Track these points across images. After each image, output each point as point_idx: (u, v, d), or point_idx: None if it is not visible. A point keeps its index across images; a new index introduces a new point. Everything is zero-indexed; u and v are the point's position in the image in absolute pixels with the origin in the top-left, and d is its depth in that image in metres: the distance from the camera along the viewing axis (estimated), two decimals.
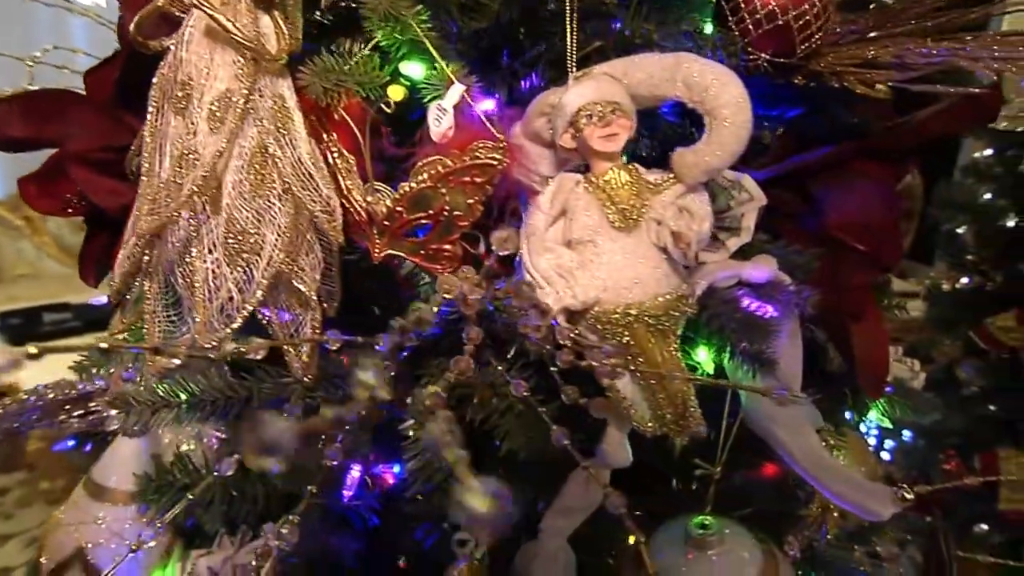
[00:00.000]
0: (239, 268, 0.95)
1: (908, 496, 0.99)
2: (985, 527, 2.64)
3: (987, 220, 2.43)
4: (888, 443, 2.36)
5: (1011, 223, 2.40)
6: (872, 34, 1.21)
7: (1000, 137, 2.37)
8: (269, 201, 0.95)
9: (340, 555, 1.19)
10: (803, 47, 1.14)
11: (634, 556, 1.08)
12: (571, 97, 0.99)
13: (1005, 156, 2.39)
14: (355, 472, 1.18)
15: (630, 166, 1.01)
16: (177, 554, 1.49)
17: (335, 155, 1.03)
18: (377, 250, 1.02)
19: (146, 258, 1.01)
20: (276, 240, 0.95)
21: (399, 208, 0.98)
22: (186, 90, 0.95)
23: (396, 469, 1.26)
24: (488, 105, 1.18)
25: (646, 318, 0.95)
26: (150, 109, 0.99)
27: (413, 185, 0.97)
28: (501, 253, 0.95)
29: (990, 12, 1.22)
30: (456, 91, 0.96)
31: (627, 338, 0.95)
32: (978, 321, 2.52)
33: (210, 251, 0.95)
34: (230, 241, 0.94)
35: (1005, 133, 2.31)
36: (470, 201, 0.98)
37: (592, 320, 0.96)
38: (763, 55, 1.16)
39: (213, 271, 0.95)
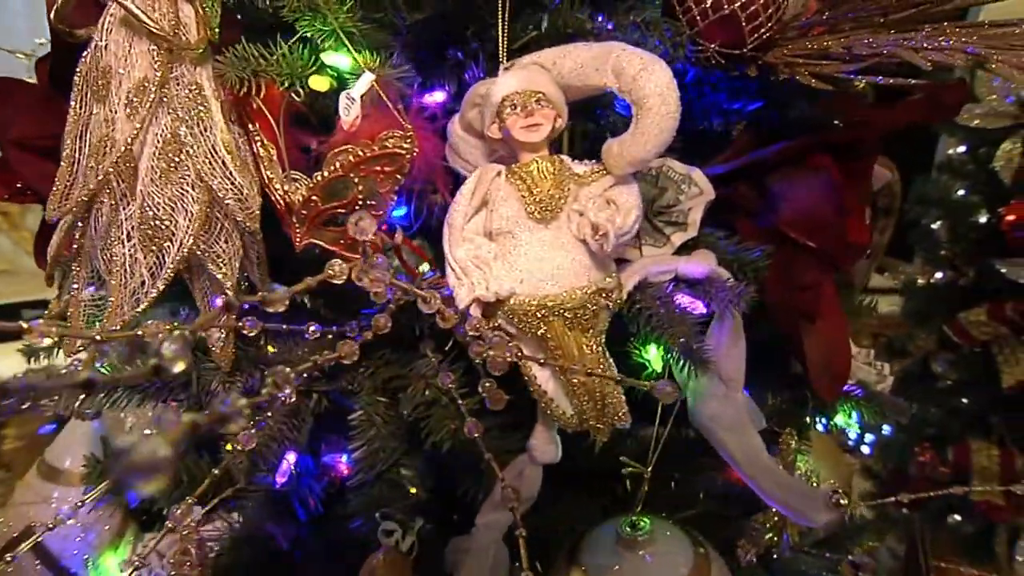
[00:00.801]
0: (152, 254, 0.93)
1: (843, 503, 0.92)
2: (958, 518, 2.57)
3: (960, 216, 2.34)
4: (868, 437, 2.30)
5: (983, 219, 2.31)
6: (832, 24, 1.15)
7: (973, 134, 2.29)
8: (182, 188, 0.92)
9: (275, 540, 1.13)
10: (753, 38, 1.06)
11: (567, 552, 1.01)
12: (497, 87, 0.93)
13: (978, 153, 2.30)
14: (289, 459, 1.13)
15: (556, 157, 0.94)
16: (130, 535, 1.44)
17: (258, 145, 0.98)
18: (298, 239, 0.97)
19: (75, 244, 1.01)
20: (188, 226, 0.92)
21: (314, 197, 0.94)
22: (106, 78, 0.93)
23: (344, 458, 1.21)
24: (439, 97, 1.13)
25: (562, 311, 0.89)
26: (73, 96, 0.95)
27: (326, 174, 0.93)
28: (357, 237, 0.88)
29: (967, 3, 1.14)
30: (365, 81, 0.91)
31: (543, 331, 0.90)
32: (951, 315, 2.45)
33: (128, 237, 0.93)
34: (144, 227, 0.92)
35: (978, 131, 2.23)
36: (383, 190, 0.93)
37: (508, 312, 0.90)
38: (712, 46, 1.08)
39: (129, 256, 0.94)
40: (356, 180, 0.92)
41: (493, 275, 0.89)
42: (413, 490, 1.08)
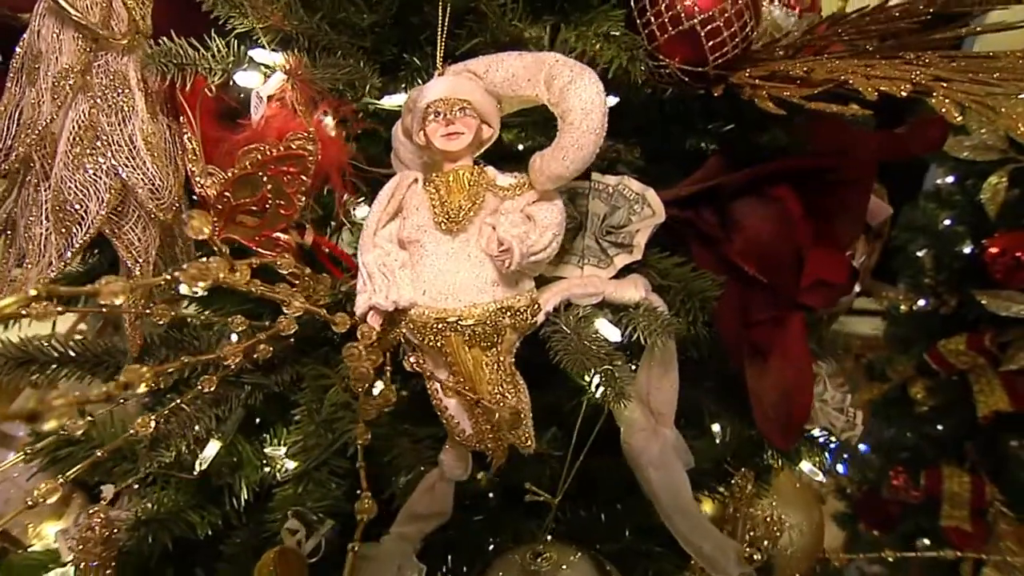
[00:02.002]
0: (62, 236, 0.90)
1: (756, 558, 0.81)
2: (927, 542, 2.44)
3: (945, 245, 2.21)
4: (844, 455, 2.18)
5: (967, 249, 2.18)
6: (820, 48, 1.03)
7: (962, 165, 2.15)
8: (96, 175, 0.89)
9: (192, 529, 1.04)
10: (716, 56, 0.94)
11: None
12: (424, 93, 0.84)
13: (965, 184, 2.17)
14: (212, 448, 1.04)
15: (479, 168, 0.85)
16: (76, 507, 1.36)
17: (186, 137, 0.91)
18: (216, 232, 0.90)
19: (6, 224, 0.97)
20: (98, 211, 0.89)
21: (226, 192, 0.88)
22: (36, 62, 0.90)
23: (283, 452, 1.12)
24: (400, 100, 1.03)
25: (460, 326, 0.80)
26: (9, 77, 0.92)
27: (236, 170, 0.87)
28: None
29: (959, 34, 1.01)
30: (275, 80, 0.84)
31: (441, 344, 0.81)
32: (931, 343, 2.32)
33: (46, 218, 0.91)
34: (57, 209, 0.89)
35: (967, 162, 2.10)
36: (290, 190, 0.86)
37: (408, 323, 0.82)
38: (672, 62, 0.97)
39: (44, 235, 0.92)
40: (264, 179, 0.86)
41: (397, 284, 0.81)
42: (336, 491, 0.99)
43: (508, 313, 0.81)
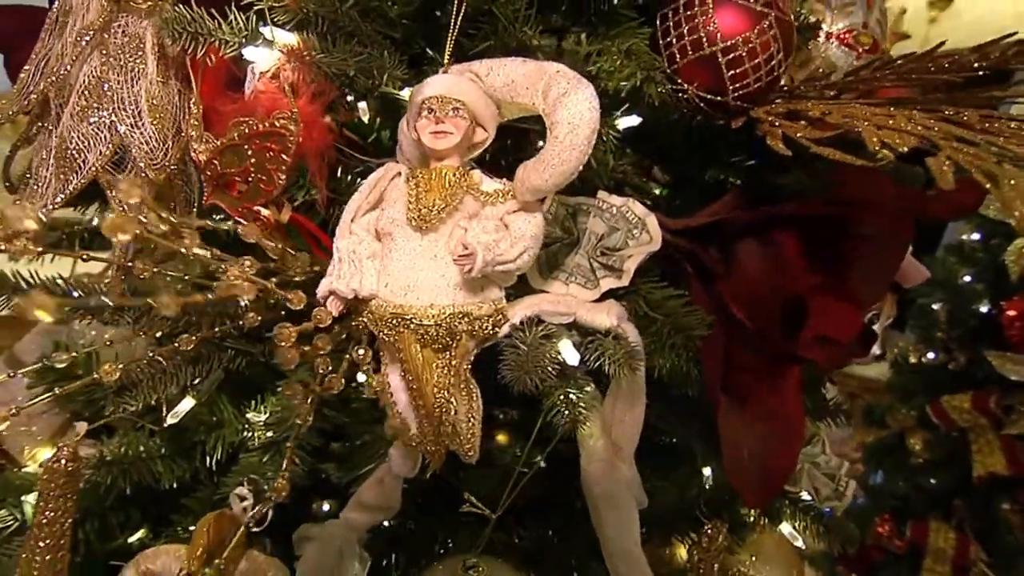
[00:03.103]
0: (60, 180, 0.90)
1: None
2: None
3: (962, 301, 2.10)
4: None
5: (984, 308, 2.07)
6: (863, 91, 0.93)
7: (989, 224, 2.04)
8: (97, 128, 0.88)
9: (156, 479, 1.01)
10: (736, 87, 0.87)
11: None
12: (422, 88, 0.78)
13: (990, 243, 2.05)
14: (186, 405, 1.01)
15: (466, 169, 0.79)
16: (71, 436, 1.34)
17: (191, 103, 0.89)
18: (205, 197, 0.89)
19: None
20: (94, 163, 0.88)
21: (214, 160, 0.85)
22: (67, 16, 0.91)
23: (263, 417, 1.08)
24: None
25: (414, 325, 0.75)
26: (44, 28, 0.94)
27: (224, 140, 0.83)
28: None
29: (996, 96, 0.92)
30: (271, 57, 0.80)
31: (395, 340, 0.77)
32: (935, 396, 2.22)
33: (52, 163, 0.90)
34: (59, 155, 0.89)
35: (995, 221, 1.99)
36: (271, 167, 0.82)
37: (368, 314, 0.78)
38: (691, 87, 0.90)
39: (47, 178, 0.92)
40: (249, 152, 0.83)
41: (361, 273, 0.78)
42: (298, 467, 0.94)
43: (465, 319, 0.76)
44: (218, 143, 0.84)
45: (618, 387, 0.80)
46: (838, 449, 1.61)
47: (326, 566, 0.83)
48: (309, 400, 0.79)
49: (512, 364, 0.73)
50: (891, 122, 0.68)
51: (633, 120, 1.09)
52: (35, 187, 0.91)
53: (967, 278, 2.10)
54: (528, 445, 0.79)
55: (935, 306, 2.19)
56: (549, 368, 0.73)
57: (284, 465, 0.80)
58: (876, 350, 2.02)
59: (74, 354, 1.14)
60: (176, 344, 0.88)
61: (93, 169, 0.86)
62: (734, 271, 0.91)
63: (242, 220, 0.86)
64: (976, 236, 2.06)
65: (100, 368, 0.83)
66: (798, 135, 0.76)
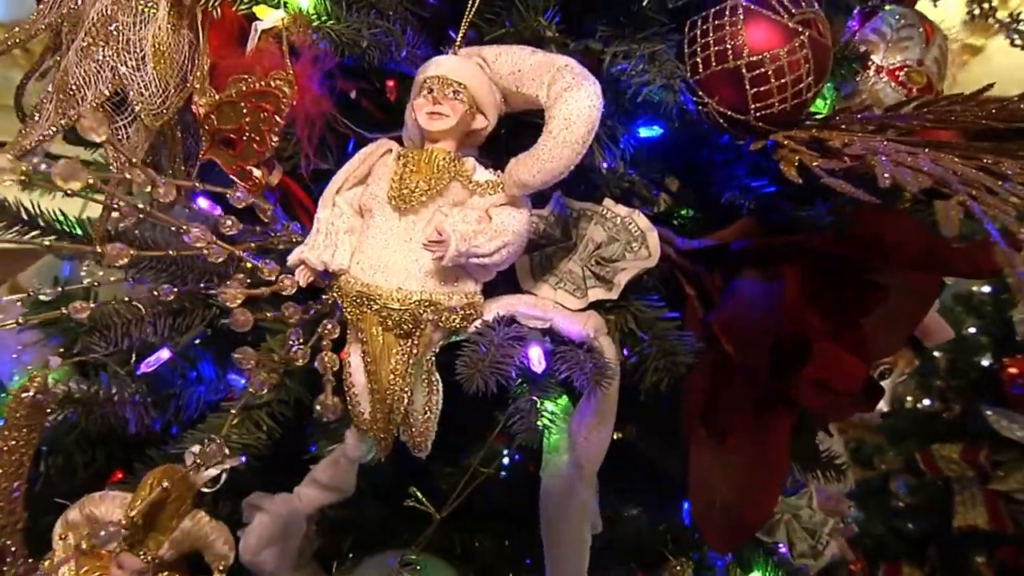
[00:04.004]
0: (58, 114, 0.84)
1: None
2: None
3: (964, 352, 2.01)
4: None
5: (986, 362, 1.98)
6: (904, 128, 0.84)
7: (1001, 278, 1.94)
8: (99, 68, 0.82)
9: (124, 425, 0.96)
10: (759, 106, 0.80)
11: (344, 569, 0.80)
12: (427, 67, 0.73)
13: (1000, 297, 1.96)
14: (162, 355, 0.96)
15: (459, 156, 0.73)
16: (61, 371, 1.31)
17: (199, 54, 0.83)
18: (203, 151, 0.84)
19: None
20: (92, 101, 0.82)
21: (212, 115, 0.80)
22: None
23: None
24: None
25: (378, 306, 0.71)
26: None
27: (221, 96, 0.79)
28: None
29: None
30: (274, 17, 0.76)
31: (358, 318, 0.72)
32: (926, 443, 2.13)
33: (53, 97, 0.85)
34: (59, 91, 0.84)
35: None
36: (264, 128, 0.77)
37: (337, 288, 0.74)
38: (711, 101, 0.83)
39: (49, 111, 0.87)
40: (245, 110, 0.78)
41: (335, 247, 0.74)
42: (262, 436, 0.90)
43: (432, 308, 0.71)
44: (217, 98, 0.79)
45: (587, 402, 0.74)
46: (831, 505, 1.52)
47: (269, 537, 0.78)
48: (271, 370, 0.74)
49: (467, 361, 0.67)
50: (910, 159, 0.61)
51: (655, 130, 1.04)
52: (36, 117, 0.86)
53: (972, 329, 2.01)
54: (484, 448, 0.73)
55: (936, 354, 2.10)
56: (510, 372, 0.67)
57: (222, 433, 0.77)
58: (883, 406, 1.92)
59: (60, 288, 1.11)
60: (156, 293, 0.85)
61: (90, 107, 0.81)
62: (729, 300, 0.84)
63: (235, 178, 0.81)
64: (987, 289, 1.97)
65: (72, 304, 0.79)
66: (814, 164, 0.69)
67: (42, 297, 0.96)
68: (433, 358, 0.72)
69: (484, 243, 0.68)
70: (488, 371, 0.65)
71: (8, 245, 0.97)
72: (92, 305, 0.80)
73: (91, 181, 0.61)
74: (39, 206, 1.02)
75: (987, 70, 2.13)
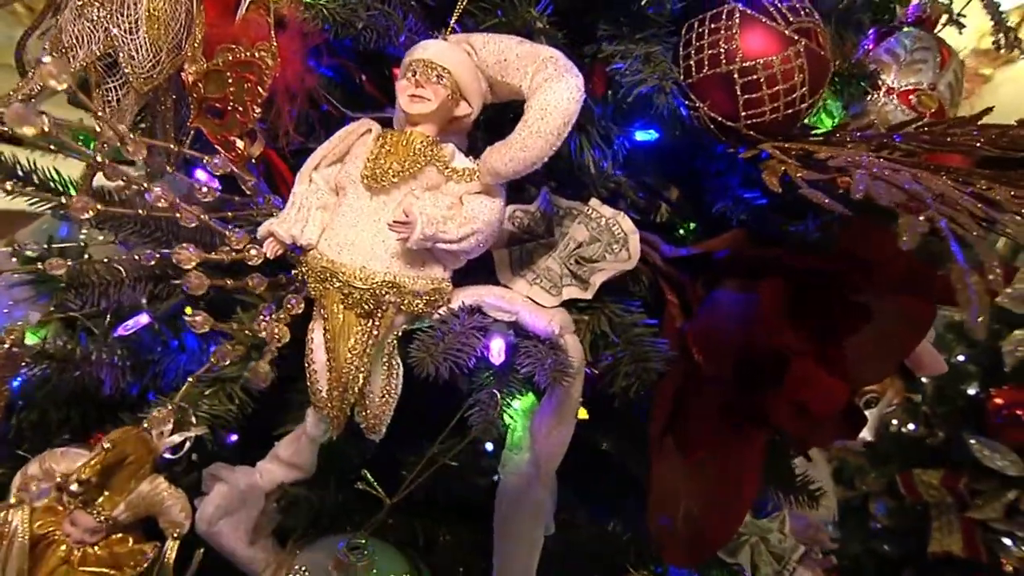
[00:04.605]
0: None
1: None
2: None
3: (952, 380, 1.97)
4: None
5: (972, 391, 1.94)
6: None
7: (993, 309, 1.90)
8: (92, 28, 0.79)
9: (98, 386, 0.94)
10: (749, 113, 0.77)
11: (291, 550, 0.78)
12: (414, 51, 0.71)
13: (992, 328, 1.92)
14: (142, 319, 0.94)
15: (436, 140, 0.71)
16: (53, 329, 1.30)
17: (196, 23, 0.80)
18: (191, 119, 0.82)
19: None
20: (83, 59, 0.80)
21: (199, 83, 0.78)
22: None
23: None
24: None
25: (340, 284, 0.69)
26: None
27: (208, 64, 0.77)
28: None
29: None
30: None
31: (320, 294, 0.71)
32: (908, 467, 2.09)
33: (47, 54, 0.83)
34: (54, 46, 0.82)
35: (999, 307, 1.85)
36: (247, 98, 0.75)
37: (304, 263, 0.73)
38: (703, 105, 0.81)
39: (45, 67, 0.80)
40: (230, 80, 0.76)
41: (305, 222, 0.72)
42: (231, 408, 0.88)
43: (395, 290, 0.69)
44: (204, 67, 0.77)
45: (549, 398, 0.71)
46: (809, 534, 1.47)
47: (227, 508, 0.76)
48: (237, 342, 0.72)
49: (420, 346, 0.65)
50: (888, 174, 0.58)
51: (651, 134, 1.01)
52: (32, 72, 0.84)
53: (961, 357, 1.97)
54: (442, 436, 0.70)
55: (924, 379, 2.06)
56: (467, 361, 0.64)
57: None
58: (867, 436, 1.87)
59: (46, 246, 1.10)
60: (137, 257, 0.83)
61: (81, 65, 0.79)
62: (705, 310, 0.81)
63: (220, 148, 0.79)
64: (980, 318, 1.92)
65: (50, 260, 0.78)
66: (797, 175, 0.66)
67: (28, 253, 0.95)
68: (395, 342, 0.70)
69: (452, 229, 0.66)
70: (441, 357, 0.62)
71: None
72: (69, 263, 0.79)
73: (46, 129, 0.58)
74: (34, 163, 1.01)
75: (994, 99, 2.09)
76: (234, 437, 0.95)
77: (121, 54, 0.78)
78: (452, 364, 0.64)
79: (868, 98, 1.18)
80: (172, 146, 0.76)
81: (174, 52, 0.82)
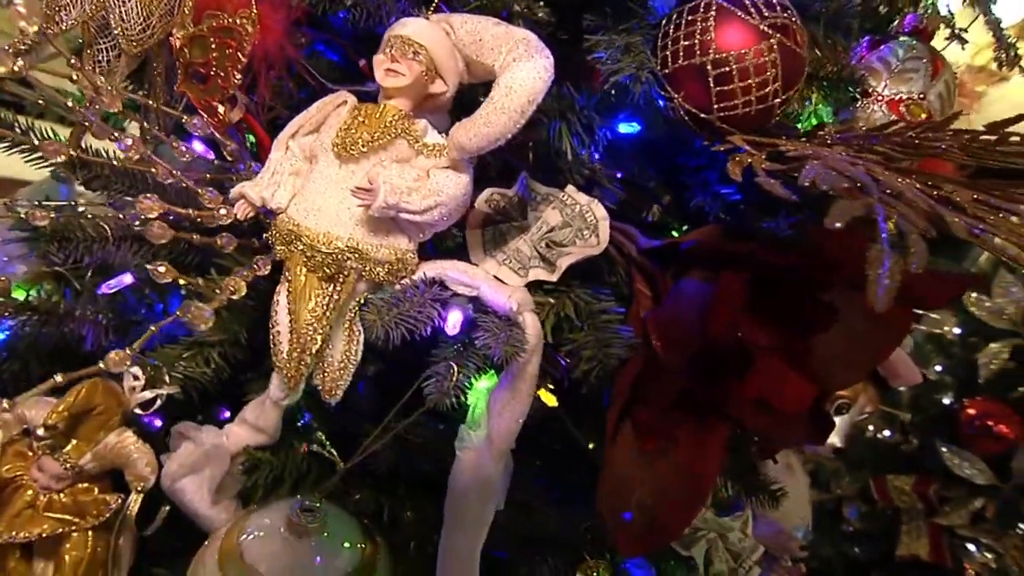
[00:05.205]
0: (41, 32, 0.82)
1: None
2: None
3: (928, 389, 1.96)
4: None
5: (947, 400, 1.93)
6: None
7: (972, 321, 1.89)
8: None
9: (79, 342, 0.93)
10: (722, 105, 0.77)
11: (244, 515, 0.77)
12: (394, 26, 0.71)
13: (969, 340, 1.91)
14: (126, 278, 0.91)
15: (408, 114, 0.71)
16: (46, 284, 1.29)
17: None
18: (177, 84, 0.81)
19: None
20: (77, 21, 0.81)
21: (185, 48, 0.78)
22: None
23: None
24: None
25: (303, 247, 0.70)
26: None
27: (193, 29, 0.76)
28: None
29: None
30: None
31: (286, 256, 0.72)
32: (881, 473, 2.08)
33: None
34: (48, 9, 0.81)
35: (979, 320, 1.84)
36: (228, 64, 0.75)
37: (273, 226, 0.73)
38: (677, 96, 0.80)
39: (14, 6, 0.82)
40: (213, 45, 0.76)
41: (277, 186, 0.73)
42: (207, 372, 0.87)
43: (357, 256, 0.69)
44: (191, 32, 0.76)
45: (507, 374, 0.71)
46: (779, 541, 1.45)
47: (191, 465, 0.76)
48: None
49: (370, 308, 0.65)
50: (840, 165, 0.57)
51: (634, 127, 1.00)
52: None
53: (938, 367, 1.96)
54: (398, 405, 0.70)
55: (902, 388, 2.05)
56: (420, 329, 0.64)
57: None
58: (837, 441, 1.84)
59: (37, 203, 1.09)
60: (122, 216, 0.83)
61: (72, 22, 0.79)
62: (669, 300, 0.80)
63: (204, 112, 0.79)
64: (957, 330, 1.91)
65: (34, 211, 0.78)
66: (761, 166, 0.66)
67: (19, 209, 0.95)
68: (357, 308, 0.70)
69: (416, 200, 0.66)
70: (393, 323, 0.62)
71: None
72: (53, 215, 0.79)
73: (16, 69, 0.58)
74: (33, 124, 1.01)
75: (988, 116, 2.06)
76: (227, 413, 0.95)
77: (112, 16, 0.78)
78: (406, 332, 0.63)
79: (858, 104, 1.17)
80: (150, 102, 0.75)
81: (166, 17, 0.81)
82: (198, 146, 0.89)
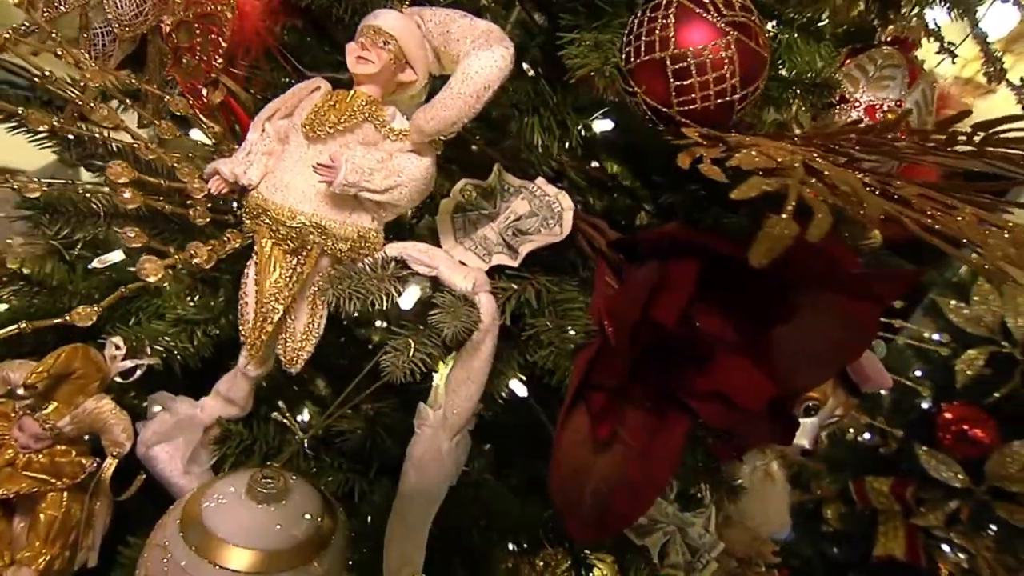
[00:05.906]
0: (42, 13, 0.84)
1: None
2: None
3: (907, 393, 1.95)
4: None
5: (924, 404, 1.92)
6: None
7: (951, 328, 1.87)
8: None
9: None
10: (680, 100, 0.77)
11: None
12: (368, 17, 0.73)
13: (948, 346, 1.90)
14: (115, 255, 0.96)
15: (379, 103, 0.73)
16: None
17: None
18: (167, 68, 0.85)
19: None
20: (73, 6, 0.82)
21: (172, 33, 0.80)
22: None
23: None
24: None
25: (269, 222, 0.72)
26: None
27: (179, 15, 0.79)
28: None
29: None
30: None
31: (253, 231, 0.74)
32: (861, 474, 2.08)
33: None
34: None
35: (958, 328, 1.83)
36: (211, 49, 0.78)
37: (245, 201, 0.75)
38: (639, 91, 0.81)
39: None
40: (197, 30, 0.78)
41: (250, 164, 0.74)
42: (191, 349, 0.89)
43: (320, 232, 0.71)
44: (179, 17, 0.79)
45: (460, 356, 0.72)
46: (755, 546, 1.45)
47: (165, 433, 0.77)
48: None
49: (324, 277, 0.67)
50: (772, 151, 0.58)
51: (607, 124, 1.01)
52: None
53: (918, 372, 1.95)
54: (356, 380, 0.71)
55: (883, 392, 2.03)
56: (373, 300, 0.65)
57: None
58: (806, 443, 1.83)
59: (34, 180, 1.11)
60: (111, 193, 0.84)
61: (66, 9, 0.81)
62: (624, 287, 0.81)
63: (188, 95, 0.81)
64: (936, 336, 1.90)
65: (27, 183, 0.79)
66: (707, 155, 0.66)
67: (15, 185, 0.96)
68: (320, 282, 0.71)
69: (377, 180, 0.69)
70: (347, 292, 0.64)
71: None
72: (45, 188, 0.80)
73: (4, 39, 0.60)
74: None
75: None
76: None
77: (107, 1, 0.79)
78: (361, 303, 0.65)
79: (835, 109, 1.17)
80: (134, 81, 0.76)
81: (159, 4, 0.83)
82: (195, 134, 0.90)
